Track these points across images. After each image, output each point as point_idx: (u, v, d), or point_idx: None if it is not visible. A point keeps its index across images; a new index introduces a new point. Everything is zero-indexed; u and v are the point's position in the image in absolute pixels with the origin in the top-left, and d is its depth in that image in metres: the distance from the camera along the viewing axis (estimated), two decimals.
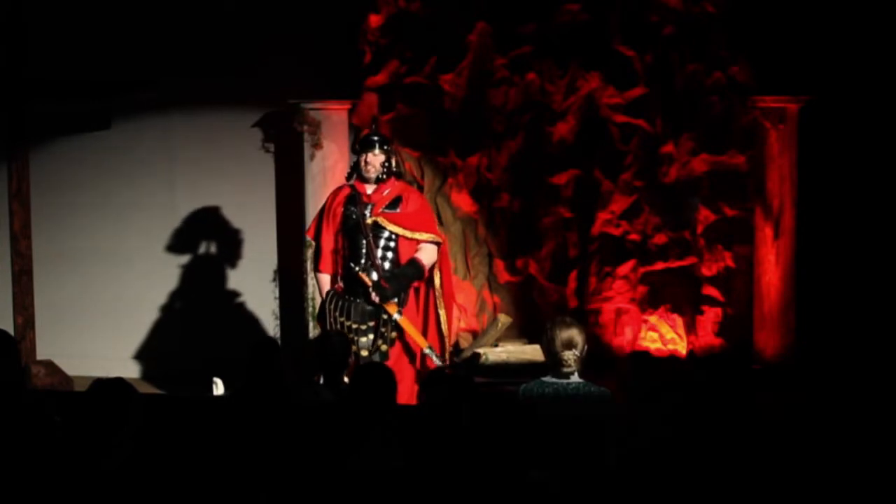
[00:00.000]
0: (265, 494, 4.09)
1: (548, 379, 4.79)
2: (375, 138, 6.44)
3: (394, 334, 6.38)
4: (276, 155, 8.57)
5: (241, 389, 5.27)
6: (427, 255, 6.43)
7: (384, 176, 6.43)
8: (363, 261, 6.34)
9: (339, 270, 6.51)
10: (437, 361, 6.30)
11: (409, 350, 6.45)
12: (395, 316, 6.31)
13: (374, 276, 6.32)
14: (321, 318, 6.48)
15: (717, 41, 8.06)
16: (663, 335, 8.31)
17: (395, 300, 6.33)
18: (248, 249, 8.60)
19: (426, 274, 6.45)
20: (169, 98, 8.49)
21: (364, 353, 6.30)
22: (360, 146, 6.49)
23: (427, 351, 6.34)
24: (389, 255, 6.40)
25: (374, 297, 6.28)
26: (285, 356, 5.33)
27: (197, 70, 8.38)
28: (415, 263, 6.38)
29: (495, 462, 3.81)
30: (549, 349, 4.79)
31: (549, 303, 8.40)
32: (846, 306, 7.92)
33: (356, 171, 6.46)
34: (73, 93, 8.16)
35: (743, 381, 7.84)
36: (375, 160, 6.38)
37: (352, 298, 6.35)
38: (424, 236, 6.41)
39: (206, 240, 8.68)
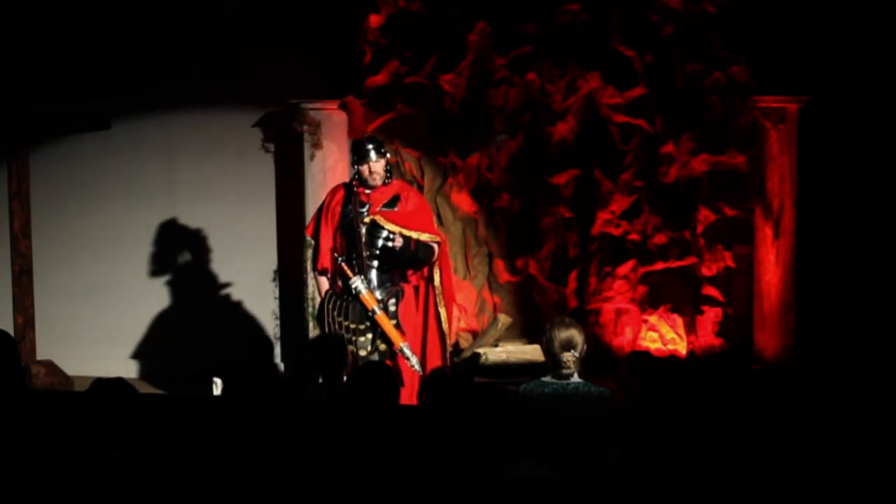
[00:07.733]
0: (265, 494, 4.08)
1: (548, 379, 4.79)
2: (370, 146, 6.37)
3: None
4: (276, 155, 8.57)
5: (238, 390, 5.26)
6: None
7: (388, 180, 6.43)
8: (356, 258, 6.33)
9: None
10: (412, 361, 6.23)
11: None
12: (372, 312, 6.24)
13: (372, 273, 6.33)
14: (320, 318, 6.45)
15: (717, 41, 8.07)
16: (663, 335, 8.31)
17: (378, 297, 6.30)
18: (248, 249, 8.59)
19: (434, 258, 6.44)
20: (169, 98, 8.49)
21: (363, 352, 6.28)
22: (357, 157, 6.42)
23: (402, 349, 6.26)
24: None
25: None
26: (285, 356, 5.33)
27: (197, 70, 8.38)
28: (428, 245, 6.39)
29: (494, 461, 3.80)
30: (548, 350, 4.79)
31: (549, 303, 8.40)
32: (846, 306, 7.92)
33: (360, 180, 6.41)
34: (73, 93, 8.15)
35: (743, 381, 7.83)
36: (378, 166, 6.36)
37: (350, 298, 6.32)
38: (424, 236, 6.41)
39: (206, 240, 8.67)
